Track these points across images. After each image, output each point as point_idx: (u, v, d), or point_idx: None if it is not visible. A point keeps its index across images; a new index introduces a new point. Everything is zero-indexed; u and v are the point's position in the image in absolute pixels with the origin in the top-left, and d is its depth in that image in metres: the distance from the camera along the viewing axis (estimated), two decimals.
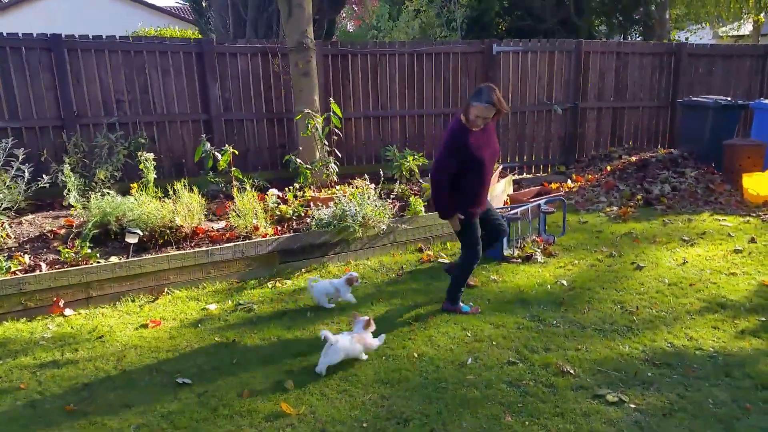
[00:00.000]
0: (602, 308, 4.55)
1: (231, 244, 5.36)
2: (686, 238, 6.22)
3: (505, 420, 3.11)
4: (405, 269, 5.60)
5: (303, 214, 6.27)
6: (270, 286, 5.15)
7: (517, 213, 5.98)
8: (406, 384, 3.50)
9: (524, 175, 10.04)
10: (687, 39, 19.32)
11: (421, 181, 7.41)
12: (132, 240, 5.00)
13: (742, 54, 10.89)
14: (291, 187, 6.92)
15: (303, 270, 5.53)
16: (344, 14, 25.06)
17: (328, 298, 4.66)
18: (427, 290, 5.05)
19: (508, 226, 5.87)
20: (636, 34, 17.77)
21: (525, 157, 10.06)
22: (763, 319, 4.28)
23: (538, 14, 16.31)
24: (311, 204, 6.33)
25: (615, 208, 7.52)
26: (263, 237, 5.55)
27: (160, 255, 4.99)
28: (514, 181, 9.32)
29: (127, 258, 5.00)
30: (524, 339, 4.05)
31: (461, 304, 4.61)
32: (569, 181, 9.00)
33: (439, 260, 5.80)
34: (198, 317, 4.53)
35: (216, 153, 6.58)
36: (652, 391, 3.34)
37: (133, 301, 4.82)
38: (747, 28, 23.63)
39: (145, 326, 4.36)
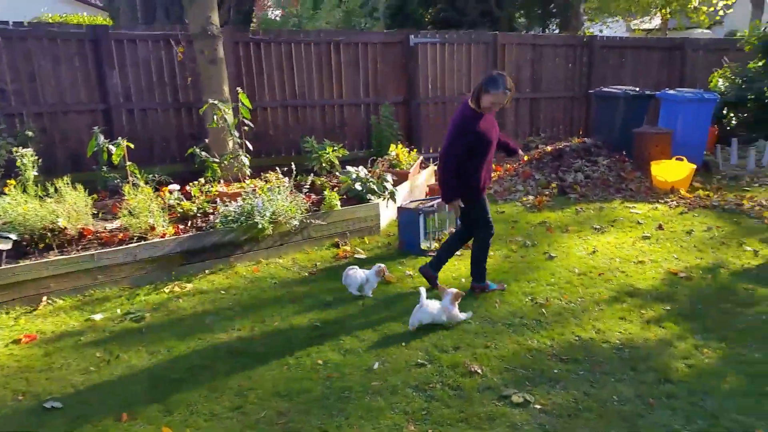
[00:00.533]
0: (514, 301, 4.48)
1: (122, 246, 4.94)
2: (597, 227, 6.30)
3: (408, 429, 2.94)
4: (319, 267, 5.36)
5: (210, 211, 5.90)
6: (167, 291, 4.77)
7: (433, 206, 5.86)
8: (307, 396, 3.26)
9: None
10: (601, 31, 19.97)
11: (338, 174, 7.16)
12: (4, 246, 4.49)
13: (651, 46, 11.28)
14: (197, 182, 6.52)
15: (207, 272, 5.18)
16: (270, 2, 24.36)
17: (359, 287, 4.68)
18: (341, 289, 4.82)
19: (424, 219, 5.76)
20: (554, 27, 18.20)
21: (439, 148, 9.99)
22: (668, 307, 4.33)
23: (460, 6, 16.37)
24: (218, 200, 5.96)
25: (531, 197, 7.56)
26: (161, 237, 5.16)
27: (36, 261, 4.50)
28: (435, 171, 9.24)
29: None
30: (435, 338, 3.91)
31: (488, 282, 4.71)
32: None
33: (356, 256, 5.59)
34: (80, 329, 4.11)
35: (110, 146, 6.08)
36: (558, 390, 3.27)
37: (7, 313, 4.32)
38: (656, 22, 24.74)
39: (17, 342, 3.91)
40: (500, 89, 4.19)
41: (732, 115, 10.66)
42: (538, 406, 3.11)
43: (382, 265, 4.74)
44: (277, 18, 23.77)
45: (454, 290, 4.10)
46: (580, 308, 4.33)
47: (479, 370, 3.47)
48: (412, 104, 9.37)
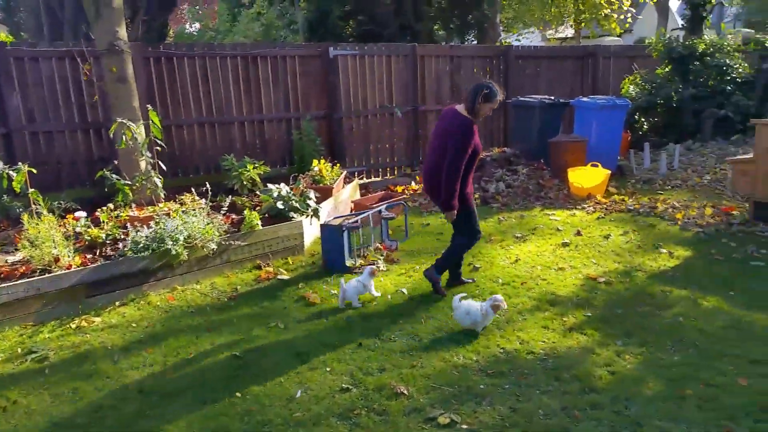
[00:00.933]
0: (440, 316, 4.43)
1: (24, 280, 4.54)
2: (519, 235, 6.39)
3: None
4: (240, 291, 5.13)
5: (121, 237, 5.55)
6: (73, 326, 4.41)
7: (357, 222, 5.76)
8: None
9: (372, 178, 9.93)
10: (519, 41, 20.62)
11: (258, 193, 6.93)
12: None
13: (564, 56, 11.70)
14: (106, 207, 6.13)
15: (117, 303, 4.85)
16: (186, 17, 23.66)
17: (359, 297, 4.69)
18: (262, 313, 4.63)
19: (349, 236, 5.64)
20: (472, 38, 18.63)
21: (372, 161, 9.94)
22: (589, 314, 4.40)
23: (380, 19, 16.47)
24: (129, 225, 5.61)
25: None
26: (67, 269, 4.78)
27: None
28: (362, 185, 9.17)
29: None
30: (360, 360, 3.78)
31: (440, 278, 4.89)
32: (413, 183, 9.02)
33: (279, 277, 5.40)
34: None
35: (10, 172, 5.62)
36: (485, 406, 3.22)
37: None
38: (571, 31, 25.85)
39: None
40: (497, 97, 4.53)
41: (643, 120, 11.23)
42: (465, 426, 3.05)
43: (373, 266, 4.87)
44: (195, 32, 23.16)
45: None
46: (504, 319, 4.33)
47: (405, 391, 3.38)
48: (334, 118, 9.27)
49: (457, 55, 10.39)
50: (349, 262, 5.57)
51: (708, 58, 10.71)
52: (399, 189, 8.69)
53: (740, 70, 10.82)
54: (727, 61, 10.80)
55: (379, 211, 6.20)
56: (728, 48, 11.05)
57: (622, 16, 17.62)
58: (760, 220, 6.29)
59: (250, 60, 8.55)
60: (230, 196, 6.38)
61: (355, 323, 4.36)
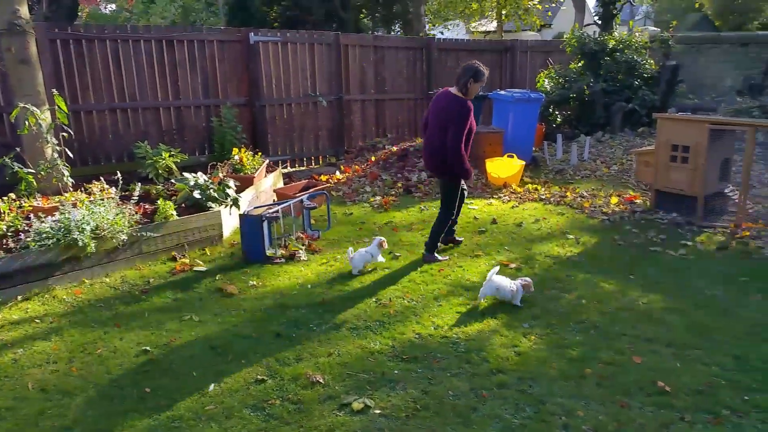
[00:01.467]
0: (359, 304, 4.48)
1: None
2: None
3: None
4: (153, 283, 4.97)
5: (25, 229, 5.23)
6: None
7: (277, 212, 5.70)
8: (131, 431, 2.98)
9: (297, 167, 9.85)
10: (442, 33, 20.92)
11: (174, 182, 6.71)
12: None
13: (485, 49, 11.99)
14: (7, 197, 5.77)
15: (20, 298, 4.58)
16: None
17: (365, 265, 5.15)
18: (176, 306, 4.51)
19: (269, 226, 5.58)
20: (398, 29, 18.74)
21: (296, 149, 9.85)
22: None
23: (306, 5, 16.25)
24: (32, 216, 5.30)
25: (379, 197, 7.67)
26: None
27: None
28: (286, 174, 9.08)
29: None
30: (277, 350, 3.77)
31: (437, 255, 5.37)
32: (338, 173, 9.01)
33: (195, 269, 5.27)
34: None
35: None
36: (398, 391, 3.29)
37: None
38: (494, 24, 26.51)
39: None
40: (484, 77, 5.09)
41: (557, 113, 11.69)
42: (378, 411, 3.11)
43: (382, 238, 5.25)
44: (110, 13, 22.02)
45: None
46: (420, 306, 4.43)
47: (321, 380, 3.40)
48: (256, 106, 9.10)
49: (381, 46, 10.44)
50: (269, 252, 5.52)
51: (618, 54, 11.28)
52: (323, 178, 8.67)
53: (647, 66, 11.47)
54: (635, 57, 11.42)
55: (301, 201, 6.17)
56: (636, 45, 11.68)
57: (542, 6, 18.22)
58: (660, 208, 6.73)
59: (166, 44, 8.24)
60: (139, 185, 6.14)
61: (274, 314, 4.33)
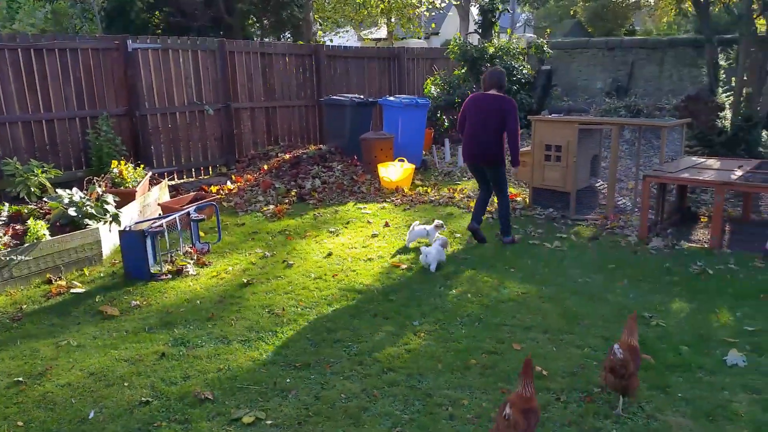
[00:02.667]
0: (251, 316, 4.41)
1: None
2: (333, 230, 6.58)
3: None
4: (25, 310, 4.62)
5: None
6: None
7: (162, 226, 5.48)
8: None
9: (185, 179, 9.51)
10: (331, 41, 21.04)
11: (46, 198, 6.27)
12: None
13: (372, 56, 12.21)
14: None
15: None
16: None
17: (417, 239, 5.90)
18: (52, 332, 4.22)
19: (153, 241, 5.35)
20: (289, 35, 18.63)
21: (183, 160, 9.51)
22: (393, 298, 4.68)
23: (189, 11, 15.74)
24: None
25: (272, 206, 7.58)
26: None
27: None
28: (173, 186, 8.74)
29: None
30: (163, 370, 3.63)
31: (513, 236, 6.10)
32: (229, 183, 8.81)
33: (72, 290, 4.95)
34: None
35: None
36: (291, 399, 3.29)
37: None
38: (384, 32, 27.01)
39: None
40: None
41: (444, 117, 12.13)
42: (270, 422, 3.08)
43: (440, 221, 5.91)
44: None
45: (444, 239, 5.51)
46: (314, 312, 4.44)
47: (210, 396, 3.32)
48: (136, 116, 8.69)
49: (269, 53, 10.34)
50: (154, 269, 5.30)
51: (497, 60, 11.90)
52: (213, 189, 8.44)
53: (524, 71, 12.19)
54: (513, 63, 12.10)
55: (188, 213, 5.98)
56: (514, 51, 12.39)
57: (429, 14, 18.77)
58: (538, 204, 7.19)
59: (34, 53, 7.67)
60: (10, 206, 5.70)
61: (158, 333, 4.17)
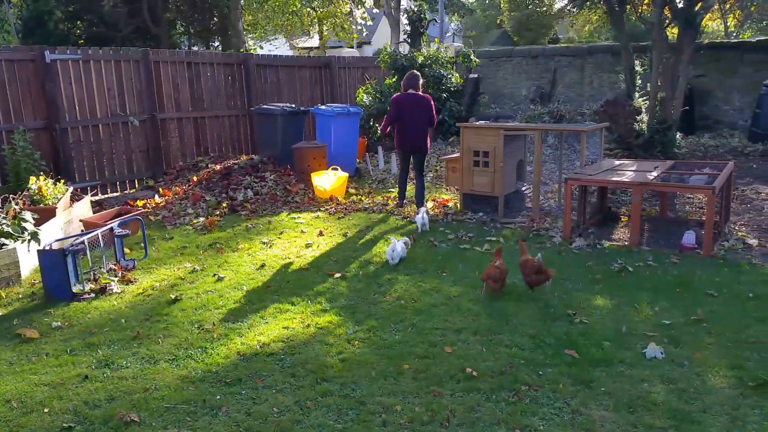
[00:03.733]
0: (179, 333, 4.29)
1: None
2: (266, 241, 6.49)
3: None
4: None
5: None
6: None
7: (83, 243, 5.25)
8: None
9: (110, 193, 9.16)
10: (262, 48, 20.80)
11: None
12: None
13: (303, 65, 12.17)
14: None
15: None
16: None
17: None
18: None
19: (74, 259, 5.12)
20: (218, 44, 18.28)
21: (107, 174, 9.17)
22: (327, 307, 4.67)
23: (112, 21, 15.18)
24: None
25: (202, 219, 7.41)
26: None
27: None
28: (97, 202, 8.41)
29: None
30: (86, 394, 3.48)
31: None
32: (157, 196, 8.55)
33: None
34: None
35: None
36: (221, 416, 3.21)
37: None
38: (316, 40, 26.99)
39: None
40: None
41: (377, 125, 12.20)
42: None
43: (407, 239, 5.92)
44: None
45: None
46: (246, 326, 4.37)
47: (137, 418, 3.20)
48: (56, 129, 8.32)
49: (196, 62, 10.13)
50: (76, 288, 5.07)
51: (426, 69, 12.11)
52: (140, 203, 8.16)
53: (452, 79, 12.46)
54: (442, 72, 12.35)
55: (112, 229, 5.76)
56: (442, 60, 12.64)
57: (362, 22, 18.92)
58: (468, 208, 7.35)
59: None
60: None
61: (81, 355, 3.99)
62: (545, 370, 3.65)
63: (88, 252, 5.33)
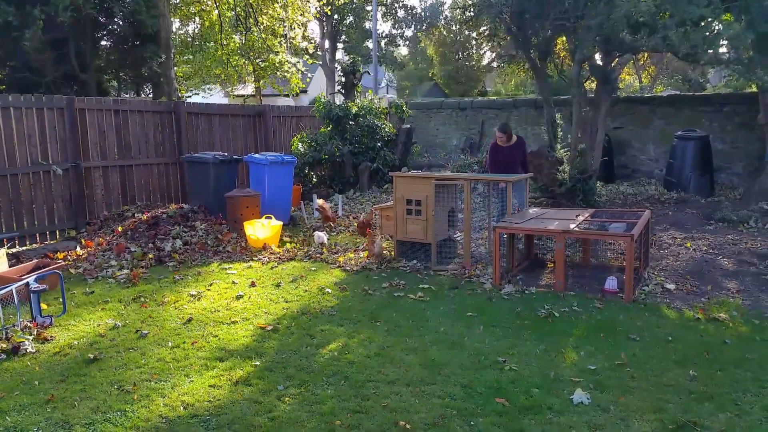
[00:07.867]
0: (97, 395, 4.04)
1: None
2: (194, 293, 6.29)
3: None
4: None
5: None
6: None
7: None
8: None
9: (28, 245, 8.66)
10: (197, 94, 20.68)
11: None
12: None
13: (237, 113, 12.15)
14: None
15: None
16: None
17: None
18: None
19: None
20: (149, 91, 17.99)
21: (25, 225, 8.69)
22: (257, 363, 4.53)
23: (38, 67, 14.71)
24: None
25: (126, 271, 7.11)
26: None
27: None
28: (14, 254, 7.92)
29: None
30: None
31: None
32: (78, 248, 8.16)
33: None
34: None
35: None
36: None
37: None
38: (251, 89, 27.03)
39: None
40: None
41: (312, 173, 12.27)
42: None
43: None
44: None
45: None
46: (169, 385, 4.17)
47: None
48: None
49: (124, 110, 9.92)
50: None
51: (360, 118, 12.35)
52: (60, 256, 7.76)
53: (386, 129, 12.75)
54: (376, 122, 12.62)
55: (27, 284, 5.43)
56: (376, 111, 12.94)
57: (300, 72, 19.12)
58: (402, 256, 7.41)
59: None
60: None
61: None
62: (476, 420, 3.66)
63: (0, 309, 5.00)
